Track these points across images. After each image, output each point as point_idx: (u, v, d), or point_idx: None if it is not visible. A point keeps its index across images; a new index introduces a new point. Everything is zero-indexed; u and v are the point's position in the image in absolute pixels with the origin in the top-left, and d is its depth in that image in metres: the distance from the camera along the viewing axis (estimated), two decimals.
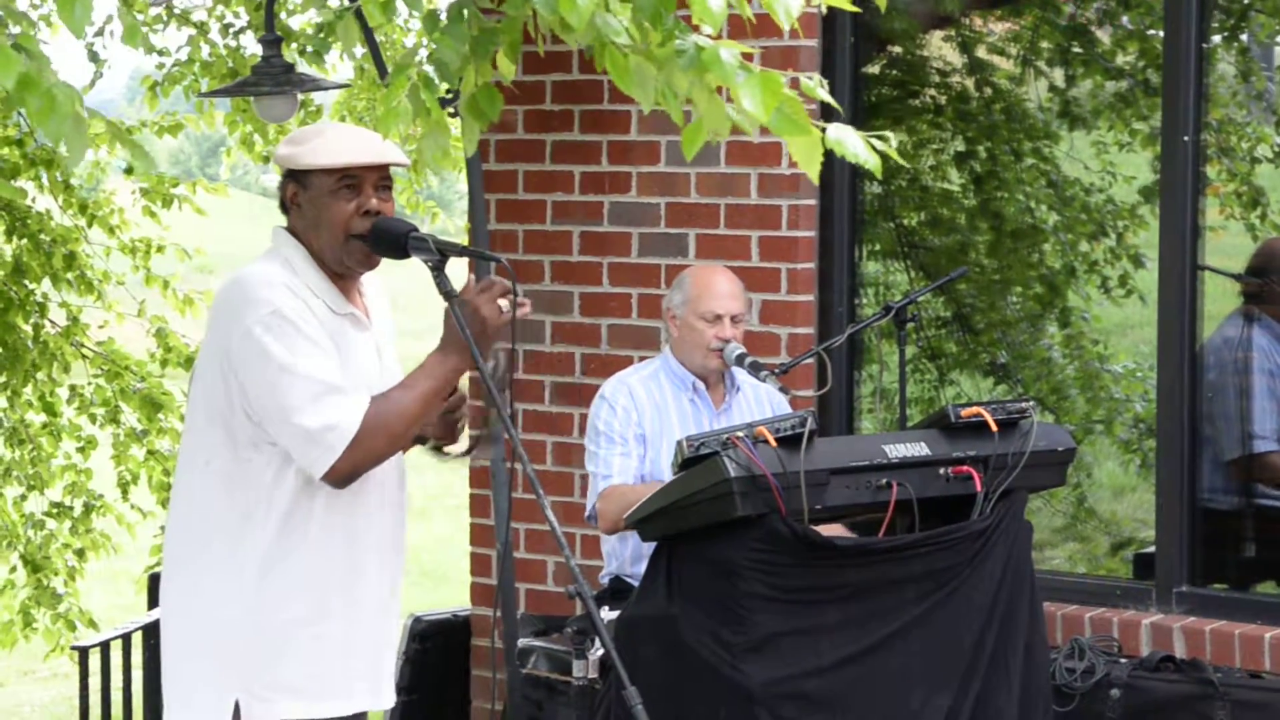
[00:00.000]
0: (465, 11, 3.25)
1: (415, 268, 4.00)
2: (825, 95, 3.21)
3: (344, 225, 3.91)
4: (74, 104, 2.98)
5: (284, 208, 4.00)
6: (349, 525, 3.94)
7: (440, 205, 11.19)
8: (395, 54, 8.75)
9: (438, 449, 4.14)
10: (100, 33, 9.07)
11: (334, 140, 3.92)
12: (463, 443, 4.14)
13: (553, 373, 6.51)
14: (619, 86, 3.22)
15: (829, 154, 3.34)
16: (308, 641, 3.91)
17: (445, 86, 3.39)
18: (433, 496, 15.96)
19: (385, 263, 4.03)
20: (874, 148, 3.16)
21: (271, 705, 3.89)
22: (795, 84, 3.22)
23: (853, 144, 3.15)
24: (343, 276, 3.98)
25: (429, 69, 3.33)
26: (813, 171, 3.13)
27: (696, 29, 3.26)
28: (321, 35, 6.91)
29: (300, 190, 3.94)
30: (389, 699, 4.09)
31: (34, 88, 2.97)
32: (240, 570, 3.87)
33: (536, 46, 3.81)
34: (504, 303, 3.85)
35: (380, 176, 3.93)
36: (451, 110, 4.13)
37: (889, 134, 3.12)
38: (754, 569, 4.55)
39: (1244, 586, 5.96)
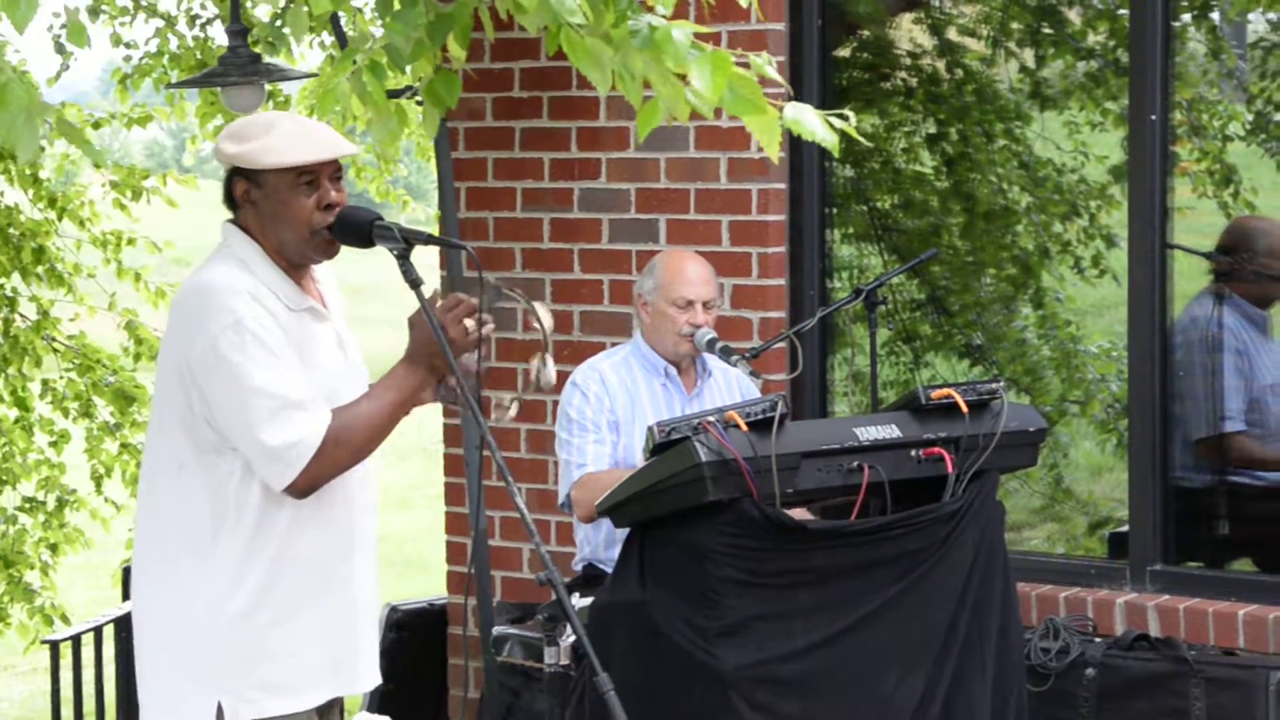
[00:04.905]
0: None
1: (387, 256, 3.99)
2: (774, 73, 3.21)
3: (307, 221, 3.90)
4: (27, 97, 2.95)
5: (232, 203, 3.97)
6: (319, 521, 3.94)
7: (415, 194, 11.14)
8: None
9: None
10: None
11: (286, 138, 3.87)
12: (513, 409, 4.14)
13: (525, 360, 6.48)
14: (575, 67, 3.21)
15: (799, 138, 3.33)
16: (286, 638, 3.91)
17: (401, 76, 3.37)
18: (414, 485, 15.90)
19: (357, 253, 4.01)
20: (833, 126, 3.16)
21: (255, 704, 3.89)
22: (745, 64, 3.21)
23: (810, 122, 3.14)
24: (298, 267, 3.97)
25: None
26: (772, 150, 3.12)
27: (651, 10, 3.25)
28: (277, 25, 6.87)
29: (253, 188, 3.91)
30: (371, 680, 4.08)
31: None
32: (216, 572, 3.87)
33: (488, 33, 3.78)
34: (470, 322, 3.83)
35: (335, 168, 3.91)
36: (418, 100, 4.11)
37: (848, 111, 3.11)
38: (726, 553, 4.54)
39: (1217, 564, 5.96)
